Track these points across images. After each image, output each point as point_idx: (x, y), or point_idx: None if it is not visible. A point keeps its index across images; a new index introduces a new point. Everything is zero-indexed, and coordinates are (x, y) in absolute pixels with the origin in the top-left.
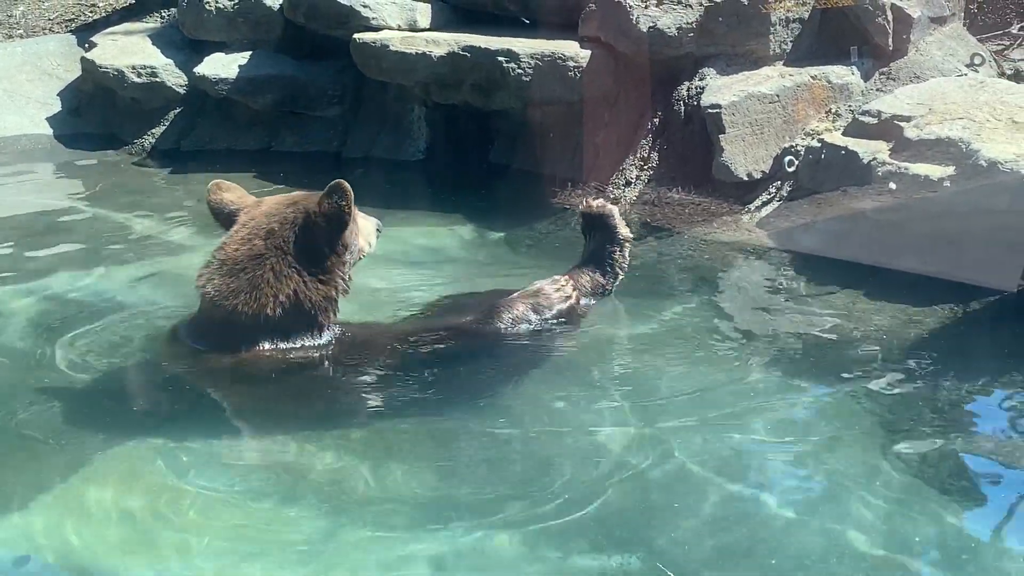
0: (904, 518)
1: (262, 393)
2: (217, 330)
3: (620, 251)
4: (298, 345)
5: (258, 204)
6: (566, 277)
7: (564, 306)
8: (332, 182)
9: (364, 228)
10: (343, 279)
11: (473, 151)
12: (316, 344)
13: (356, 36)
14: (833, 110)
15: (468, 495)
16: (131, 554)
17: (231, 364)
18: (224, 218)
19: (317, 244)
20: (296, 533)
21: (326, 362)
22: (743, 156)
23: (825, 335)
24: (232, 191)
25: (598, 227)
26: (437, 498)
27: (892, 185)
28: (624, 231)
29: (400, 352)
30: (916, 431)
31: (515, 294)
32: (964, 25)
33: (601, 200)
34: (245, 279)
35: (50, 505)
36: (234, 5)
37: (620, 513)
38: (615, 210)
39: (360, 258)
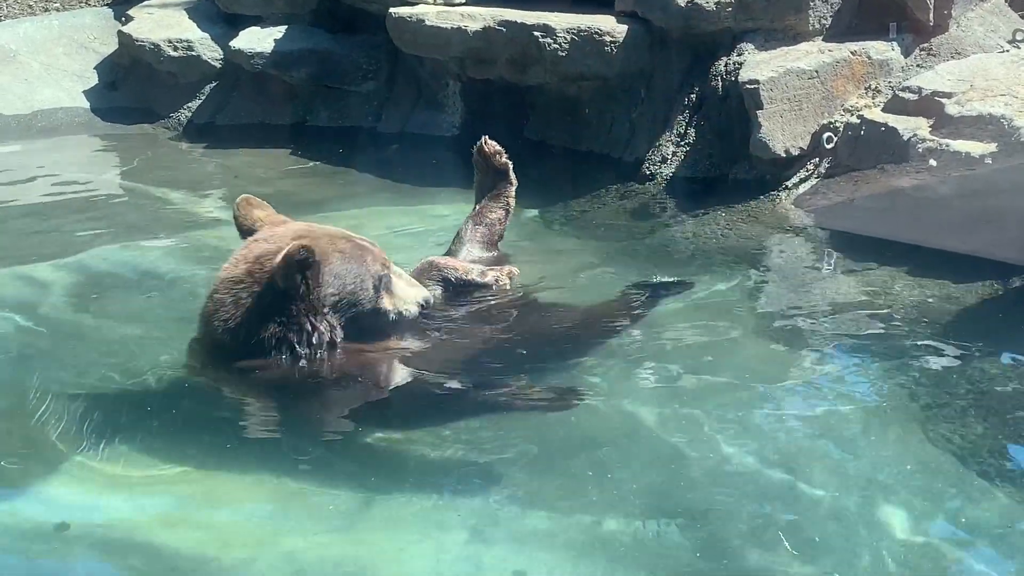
0: (942, 498)
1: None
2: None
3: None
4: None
5: (276, 226)
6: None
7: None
8: (292, 253)
9: (403, 294)
10: (310, 329)
11: (508, 126)
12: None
13: (392, 10)
14: (873, 86)
15: (504, 466)
16: (169, 526)
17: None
18: (246, 234)
19: (278, 295)
20: (335, 501)
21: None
22: (781, 132)
23: (863, 313)
24: (261, 208)
25: (497, 171)
26: (474, 470)
27: (932, 162)
28: (513, 176)
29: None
30: (955, 409)
31: None
32: (1006, 1)
33: (498, 147)
34: (217, 299)
35: (85, 476)
36: None
37: (655, 486)
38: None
39: (393, 318)
